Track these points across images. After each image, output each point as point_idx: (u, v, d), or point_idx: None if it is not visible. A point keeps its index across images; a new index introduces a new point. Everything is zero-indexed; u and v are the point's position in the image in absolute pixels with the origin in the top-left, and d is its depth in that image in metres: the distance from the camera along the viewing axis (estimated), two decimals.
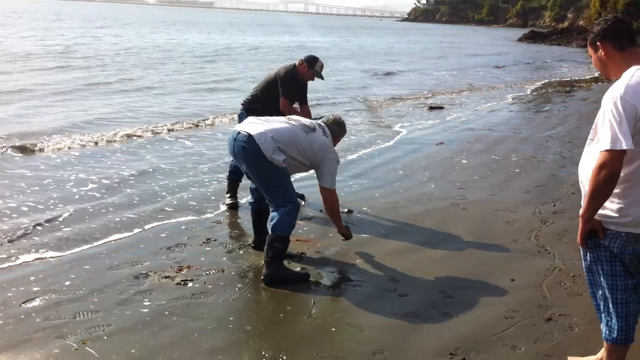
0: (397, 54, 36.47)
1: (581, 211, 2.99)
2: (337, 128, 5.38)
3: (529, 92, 19.53)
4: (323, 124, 5.24)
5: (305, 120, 5.16)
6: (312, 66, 6.49)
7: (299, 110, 6.47)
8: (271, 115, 5.38)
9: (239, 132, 4.73)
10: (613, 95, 2.82)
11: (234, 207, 6.48)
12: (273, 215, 4.76)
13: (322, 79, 6.71)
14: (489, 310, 4.32)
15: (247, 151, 4.66)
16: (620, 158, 2.76)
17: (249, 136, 4.64)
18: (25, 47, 26.34)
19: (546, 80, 23.22)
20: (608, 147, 2.76)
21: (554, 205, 6.86)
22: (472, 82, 21.92)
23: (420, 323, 4.13)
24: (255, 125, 4.79)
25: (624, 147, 2.72)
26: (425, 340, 3.92)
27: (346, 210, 6.43)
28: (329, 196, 5.02)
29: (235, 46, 36.49)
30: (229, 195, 6.59)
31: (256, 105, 6.43)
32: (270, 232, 4.77)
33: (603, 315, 3.19)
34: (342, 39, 54.70)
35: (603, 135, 2.80)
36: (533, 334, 3.99)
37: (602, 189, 2.83)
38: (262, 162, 4.65)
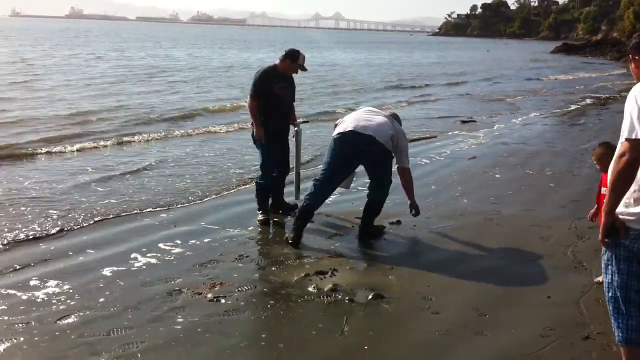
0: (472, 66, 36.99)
1: (604, 207, 2.98)
2: (399, 120, 6.23)
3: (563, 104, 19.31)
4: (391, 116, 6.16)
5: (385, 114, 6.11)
6: (295, 60, 6.58)
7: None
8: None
9: (358, 133, 5.78)
10: (635, 93, 2.86)
11: (265, 223, 6.49)
12: (379, 189, 6.04)
13: (306, 70, 6.83)
14: (525, 329, 4.24)
15: (372, 148, 5.78)
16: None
17: (371, 137, 5.76)
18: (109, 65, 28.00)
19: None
20: (626, 136, 2.78)
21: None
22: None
23: (454, 341, 4.07)
24: (371, 127, 5.81)
25: None
26: (459, 359, 3.86)
27: (395, 220, 6.59)
28: (407, 174, 6.17)
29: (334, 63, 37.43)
30: (260, 211, 6.61)
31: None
32: (372, 200, 6.06)
33: (614, 317, 3.11)
34: (403, 55, 55.12)
35: (623, 127, 2.83)
36: (570, 353, 3.91)
37: (622, 176, 2.83)
38: (384, 153, 5.90)
